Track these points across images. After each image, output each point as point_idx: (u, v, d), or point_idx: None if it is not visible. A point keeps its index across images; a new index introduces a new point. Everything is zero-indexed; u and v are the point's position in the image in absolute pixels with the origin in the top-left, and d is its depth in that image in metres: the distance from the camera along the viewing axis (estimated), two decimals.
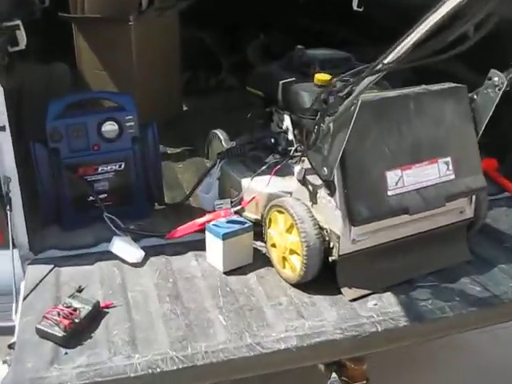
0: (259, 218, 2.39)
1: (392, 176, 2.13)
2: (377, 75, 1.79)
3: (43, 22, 3.39)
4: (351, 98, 1.89)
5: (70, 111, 2.45)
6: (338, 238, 2.09)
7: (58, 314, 1.96)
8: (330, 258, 2.14)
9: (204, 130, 3.34)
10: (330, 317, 2.06)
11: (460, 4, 1.49)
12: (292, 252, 2.18)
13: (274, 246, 2.27)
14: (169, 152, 3.21)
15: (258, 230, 2.35)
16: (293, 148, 2.44)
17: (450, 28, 1.61)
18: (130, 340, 1.93)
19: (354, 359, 2.25)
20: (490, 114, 2.27)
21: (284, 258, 2.22)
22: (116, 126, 2.47)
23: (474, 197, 2.34)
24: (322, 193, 2.13)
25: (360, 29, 3.75)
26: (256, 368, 1.97)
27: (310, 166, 2.14)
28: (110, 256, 2.34)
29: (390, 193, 2.12)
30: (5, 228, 2.31)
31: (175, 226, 2.51)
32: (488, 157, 2.79)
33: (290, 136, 2.45)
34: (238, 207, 2.34)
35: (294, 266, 2.17)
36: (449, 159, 2.23)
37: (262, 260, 2.34)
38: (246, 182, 2.43)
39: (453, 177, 2.24)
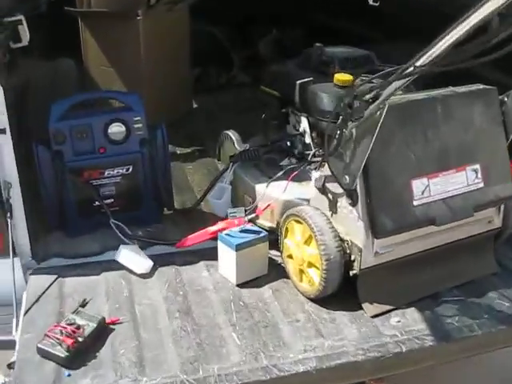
0: (274, 226, 2.23)
1: (418, 185, 1.96)
2: (407, 79, 1.62)
3: (48, 17, 3.23)
4: (377, 102, 1.73)
5: (74, 112, 2.29)
6: (360, 250, 1.93)
7: (61, 333, 1.80)
8: (351, 272, 1.98)
9: (214, 129, 3.19)
10: (351, 335, 1.90)
11: (506, 3, 1.32)
12: (310, 265, 2.01)
13: (290, 257, 2.10)
14: (178, 152, 3.04)
15: (273, 237, 2.19)
16: (310, 152, 2.27)
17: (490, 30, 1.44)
18: (137, 361, 1.78)
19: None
20: None
21: (301, 271, 2.05)
22: (123, 128, 2.30)
23: (502, 206, 2.17)
24: (343, 202, 1.96)
25: (376, 25, 3.57)
26: None
27: (329, 173, 1.97)
28: (116, 265, 2.19)
29: (415, 203, 1.96)
30: (5, 236, 2.16)
31: (185, 232, 2.35)
32: None
33: (308, 139, 2.28)
34: (253, 215, 2.18)
35: (312, 280, 2.00)
36: (477, 166, 2.06)
37: (277, 271, 2.18)
38: (260, 188, 2.26)
39: (481, 185, 2.07)
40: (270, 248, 2.18)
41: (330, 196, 2.01)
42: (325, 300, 2.02)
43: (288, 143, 2.34)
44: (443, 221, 1.99)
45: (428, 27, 3.30)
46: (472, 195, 2.06)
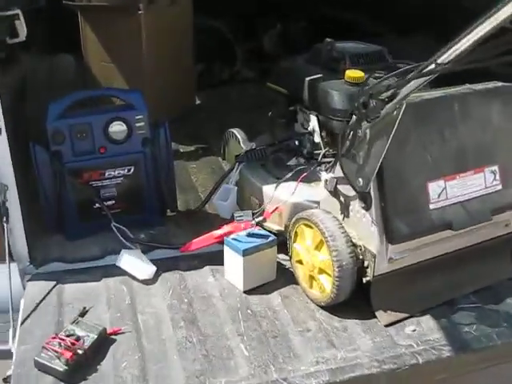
0: (282, 229, 2.12)
1: (434, 187, 1.85)
2: (427, 78, 1.50)
3: (47, 11, 3.12)
4: (395, 101, 1.61)
5: (73, 110, 2.17)
6: (374, 256, 1.82)
7: (60, 345, 1.69)
8: (364, 279, 1.86)
9: (219, 126, 3.07)
10: (365, 346, 1.79)
11: None
12: (321, 271, 1.90)
13: (299, 262, 1.99)
14: (181, 150, 2.91)
15: (281, 240, 2.07)
16: (319, 152, 2.16)
17: None
18: (140, 375, 1.67)
19: None
20: None
21: (311, 277, 1.94)
22: (124, 127, 2.19)
23: None
24: (356, 206, 1.85)
25: (385, 18, 3.45)
26: None
27: (341, 175, 1.86)
28: (117, 271, 2.07)
29: (431, 206, 1.85)
30: (2, 240, 2.04)
31: (189, 235, 2.24)
32: None
33: (317, 138, 2.17)
34: (260, 218, 2.06)
35: (324, 287, 1.89)
36: (496, 168, 1.94)
37: (285, 276, 2.06)
38: (268, 190, 2.15)
39: (500, 187, 1.95)
40: (278, 252, 2.06)
41: (341, 199, 1.89)
42: (336, 307, 1.90)
43: (296, 142, 2.23)
44: (460, 225, 1.88)
45: (440, 20, 3.23)
46: (490, 198, 1.94)
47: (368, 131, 1.73)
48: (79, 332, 1.75)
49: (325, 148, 2.13)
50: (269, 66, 3.71)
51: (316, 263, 1.90)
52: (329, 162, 2.05)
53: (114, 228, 2.16)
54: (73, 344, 1.69)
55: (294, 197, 2.07)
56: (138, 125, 2.19)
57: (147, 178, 2.24)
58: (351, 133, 1.74)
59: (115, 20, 2.87)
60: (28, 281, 2.05)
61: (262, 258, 1.98)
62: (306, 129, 2.21)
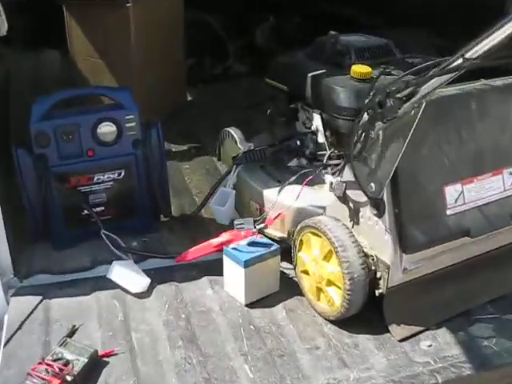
0: (285, 235, 1.94)
1: (451, 192, 1.68)
2: (452, 74, 1.33)
3: (31, 5, 2.90)
4: (413, 100, 1.43)
5: (58, 110, 1.98)
6: (388, 267, 1.64)
7: (47, 371, 1.50)
8: (377, 292, 1.69)
9: (212, 123, 2.90)
10: (379, 364, 1.62)
11: None
12: (330, 283, 1.72)
13: (305, 272, 1.81)
14: (173, 150, 2.72)
15: (283, 247, 1.89)
16: (323, 153, 1.98)
17: None
18: None
19: None
20: None
21: (319, 289, 1.76)
22: (114, 128, 1.99)
23: None
24: (367, 212, 1.67)
25: (380, 11, 3.26)
26: None
27: (350, 179, 1.68)
28: (109, 283, 1.88)
29: (448, 212, 1.68)
30: None
31: (184, 242, 2.07)
32: None
33: (321, 138, 1.99)
34: (261, 225, 1.88)
35: (333, 300, 1.71)
36: None
37: (289, 287, 1.88)
38: (269, 194, 1.96)
39: None
40: (281, 260, 1.89)
41: (350, 205, 1.72)
42: (345, 321, 1.73)
43: (298, 142, 2.04)
44: (478, 232, 1.71)
45: (440, 14, 3.06)
46: (508, 201, 1.78)
47: (381, 132, 1.55)
48: (68, 355, 1.56)
49: (329, 149, 1.94)
50: (261, 60, 3.54)
51: (324, 275, 1.72)
52: (336, 165, 1.88)
53: (103, 236, 1.98)
54: (61, 370, 1.50)
55: (298, 201, 1.89)
56: (128, 125, 2.00)
57: (139, 182, 2.05)
58: (363, 134, 1.57)
59: (102, 13, 2.66)
60: (12, 296, 1.86)
61: (264, 268, 1.80)
62: (309, 128, 2.03)
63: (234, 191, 2.07)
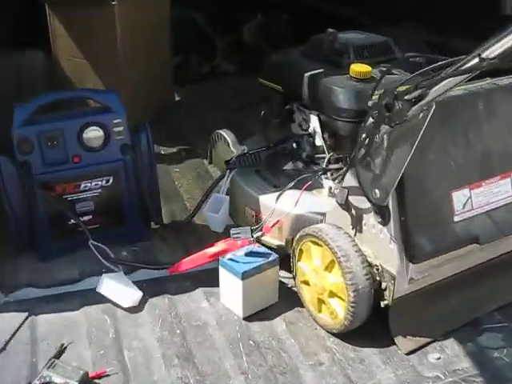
0: (283, 243, 1.83)
1: (459, 197, 1.58)
2: (466, 75, 1.22)
3: (13, 4, 2.75)
4: (422, 103, 1.33)
5: (42, 115, 1.85)
6: (394, 278, 1.54)
7: None
8: (382, 303, 1.59)
9: (202, 124, 2.79)
10: (386, 380, 1.52)
11: None
12: (332, 294, 1.62)
13: (306, 283, 1.71)
14: (162, 152, 2.59)
15: (281, 254, 1.79)
16: (321, 156, 1.87)
17: None
18: None
19: None
20: None
21: (320, 300, 1.66)
22: (101, 132, 1.88)
23: None
24: (370, 220, 1.57)
25: (367, 8, 3.15)
26: None
27: (353, 185, 1.58)
28: (98, 297, 1.77)
29: (456, 218, 1.58)
30: None
31: (177, 250, 1.97)
32: None
33: (318, 141, 1.88)
34: (258, 234, 1.77)
35: (336, 313, 1.61)
36: None
37: (288, 297, 1.78)
38: (265, 201, 1.85)
39: None
40: (279, 268, 1.79)
41: (353, 212, 1.61)
42: (349, 334, 1.63)
43: (294, 145, 1.94)
44: (487, 238, 1.62)
45: (428, 12, 2.97)
46: None
47: (386, 136, 1.45)
48: (56, 378, 1.45)
49: (328, 152, 1.84)
50: (249, 58, 3.43)
51: (326, 286, 1.62)
52: (336, 169, 1.78)
53: (92, 247, 1.86)
54: None
55: (296, 208, 1.78)
56: (115, 130, 1.88)
57: (128, 189, 1.94)
58: (367, 138, 1.46)
59: (87, 12, 2.52)
60: None
61: (262, 279, 1.69)
62: (305, 130, 1.92)
63: (228, 197, 1.95)
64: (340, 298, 1.60)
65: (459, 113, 1.59)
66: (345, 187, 1.60)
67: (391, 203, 1.51)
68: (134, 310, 1.73)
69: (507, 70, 1.70)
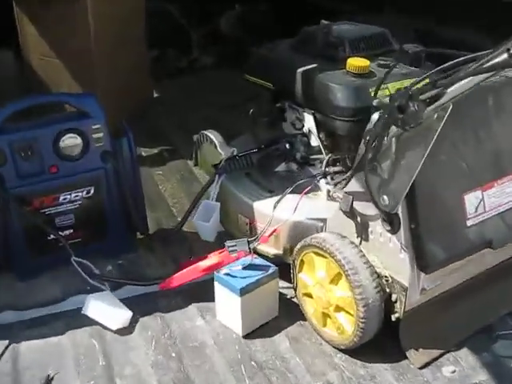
0: (281, 252, 1.68)
1: (471, 200, 1.44)
2: (490, 74, 1.08)
3: None
4: (438, 103, 1.19)
5: (14, 122, 1.68)
6: (405, 290, 1.41)
7: None
8: (393, 316, 1.45)
9: (183, 122, 2.62)
10: None
11: None
12: (339, 309, 1.48)
13: (308, 295, 1.57)
14: (143, 154, 2.42)
15: (279, 263, 1.65)
16: (318, 157, 1.73)
17: None
18: None
19: None
20: None
21: (325, 314, 1.52)
22: (79, 139, 1.71)
23: None
24: (378, 228, 1.43)
25: None
26: None
27: (357, 190, 1.44)
28: (85, 319, 1.61)
29: (469, 222, 1.45)
30: None
31: (166, 262, 1.83)
32: None
33: (314, 141, 1.73)
34: (255, 244, 1.62)
35: (343, 328, 1.47)
36: None
37: (289, 310, 1.63)
38: (260, 207, 1.70)
39: None
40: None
41: (358, 219, 1.47)
42: (357, 349, 1.49)
43: (287, 145, 1.79)
44: (501, 242, 1.49)
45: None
46: None
47: (395, 139, 1.31)
48: None
49: (326, 153, 1.69)
50: (227, 50, 3.27)
51: (332, 300, 1.48)
52: (336, 173, 1.63)
53: (74, 264, 1.69)
54: None
55: (294, 214, 1.63)
56: (95, 136, 1.71)
57: (110, 199, 1.77)
58: (374, 141, 1.32)
59: (57, 8, 2.33)
60: None
61: (262, 294, 1.55)
62: (299, 129, 1.77)
63: (219, 204, 1.79)
64: (347, 312, 1.46)
65: (469, 109, 1.44)
66: (349, 193, 1.46)
67: (401, 210, 1.37)
68: (124, 331, 1.58)
69: None
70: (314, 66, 1.67)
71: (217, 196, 1.81)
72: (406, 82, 1.62)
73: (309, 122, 1.72)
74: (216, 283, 1.56)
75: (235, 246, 1.54)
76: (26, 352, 1.52)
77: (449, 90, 1.16)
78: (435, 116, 1.23)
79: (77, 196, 1.73)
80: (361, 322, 1.41)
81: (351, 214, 1.47)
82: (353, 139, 1.65)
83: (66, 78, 2.41)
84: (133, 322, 1.60)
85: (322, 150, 1.70)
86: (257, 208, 1.70)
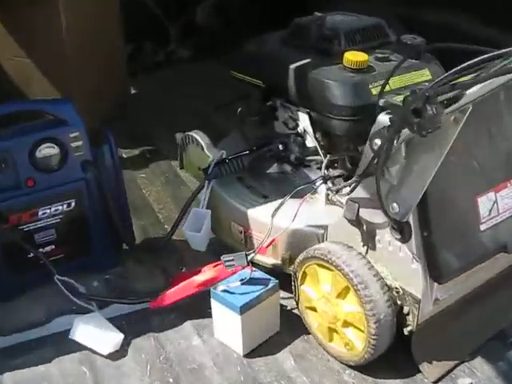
0: (279, 262, 1.55)
1: (484, 202, 1.33)
2: None
3: None
4: (457, 105, 1.06)
5: None
6: (418, 302, 1.29)
7: None
8: (406, 330, 1.34)
9: (163, 119, 2.48)
10: None
11: None
12: (347, 324, 1.36)
13: (312, 309, 1.44)
14: (124, 156, 2.26)
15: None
16: (314, 158, 1.60)
17: None
18: None
19: None
20: None
21: (332, 329, 1.40)
22: (57, 149, 1.55)
23: None
24: (386, 236, 1.31)
25: None
26: None
27: (361, 195, 1.31)
28: (72, 344, 1.46)
29: (482, 227, 1.33)
30: None
31: (155, 275, 1.68)
32: None
33: (310, 142, 1.59)
34: (252, 255, 1.48)
35: (352, 344, 1.35)
36: None
37: (290, 323, 1.50)
38: (255, 214, 1.56)
39: None
40: None
41: (364, 227, 1.35)
42: (367, 364, 1.37)
43: (280, 146, 1.65)
44: None
45: None
46: None
47: (403, 146, 1.18)
48: None
49: (324, 155, 1.56)
50: (204, 41, 3.11)
51: (339, 315, 1.35)
52: (337, 176, 1.51)
53: (58, 282, 1.54)
54: None
55: (291, 221, 1.50)
56: (73, 145, 1.56)
57: (93, 212, 1.62)
58: (384, 145, 1.19)
59: (27, 3, 2.15)
60: None
61: (263, 310, 1.42)
62: (292, 129, 1.64)
63: (210, 212, 1.65)
64: (357, 327, 1.34)
65: (480, 105, 1.32)
66: (354, 200, 1.33)
67: (412, 217, 1.25)
68: (116, 356, 1.44)
69: None
70: (308, 61, 1.53)
71: (207, 203, 1.68)
72: (407, 77, 1.51)
73: (304, 122, 1.58)
74: (213, 300, 1.43)
75: (232, 260, 1.41)
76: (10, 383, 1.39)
77: (468, 91, 1.03)
78: (452, 118, 1.10)
79: (57, 210, 1.58)
80: (372, 338, 1.29)
81: (357, 221, 1.34)
82: (352, 139, 1.53)
83: (38, 79, 2.24)
84: (124, 345, 1.46)
85: (319, 151, 1.56)
86: (251, 215, 1.56)
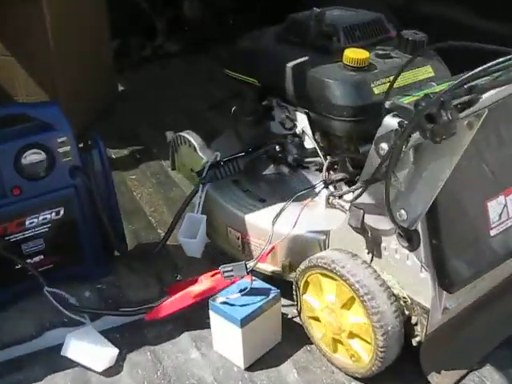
0: (279, 269, 1.48)
1: (494, 206, 1.26)
2: None
3: None
4: (470, 111, 0.99)
5: None
6: (427, 312, 1.22)
7: None
8: (414, 341, 1.27)
9: (152, 117, 2.38)
10: None
11: None
12: (353, 335, 1.29)
13: (315, 319, 1.37)
14: (113, 157, 2.16)
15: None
16: (312, 160, 1.52)
17: None
18: None
19: None
20: None
21: (336, 340, 1.33)
22: (43, 155, 1.46)
23: None
24: (392, 243, 1.24)
25: None
26: None
27: (366, 201, 1.24)
28: (65, 360, 1.38)
29: (493, 232, 1.26)
30: None
31: (149, 283, 1.60)
32: None
33: (309, 143, 1.52)
34: (251, 264, 1.41)
35: (358, 355, 1.28)
36: None
37: (292, 333, 1.43)
38: (252, 220, 1.48)
39: None
40: None
41: (369, 234, 1.27)
42: (373, 376, 1.31)
43: (277, 147, 1.57)
44: None
45: None
46: None
47: (411, 152, 1.11)
48: None
49: (324, 157, 1.48)
50: (192, 35, 3.01)
51: (345, 326, 1.28)
52: (339, 180, 1.43)
53: (48, 295, 1.45)
54: None
55: (292, 227, 1.42)
56: (61, 150, 1.47)
57: (83, 219, 1.53)
58: (392, 149, 1.11)
59: (12, 4, 2.04)
60: None
61: (264, 321, 1.34)
62: (289, 129, 1.56)
63: (205, 217, 1.57)
64: (363, 339, 1.27)
65: (491, 108, 1.25)
66: (358, 206, 1.25)
67: (420, 225, 1.18)
68: (110, 372, 1.35)
69: None
70: (306, 58, 1.45)
71: (202, 207, 1.60)
72: (410, 74, 1.44)
73: (302, 122, 1.51)
74: (212, 312, 1.35)
75: (231, 271, 1.33)
76: None
77: (484, 96, 0.96)
78: (465, 123, 1.03)
79: (45, 219, 1.49)
80: (380, 351, 1.22)
81: (361, 228, 1.27)
82: (353, 140, 1.46)
83: (23, 79, 2.13)
84: (119, 360, 1.38)
85: (319, 152, 1.49)
86: (249, 221, 1.48)
